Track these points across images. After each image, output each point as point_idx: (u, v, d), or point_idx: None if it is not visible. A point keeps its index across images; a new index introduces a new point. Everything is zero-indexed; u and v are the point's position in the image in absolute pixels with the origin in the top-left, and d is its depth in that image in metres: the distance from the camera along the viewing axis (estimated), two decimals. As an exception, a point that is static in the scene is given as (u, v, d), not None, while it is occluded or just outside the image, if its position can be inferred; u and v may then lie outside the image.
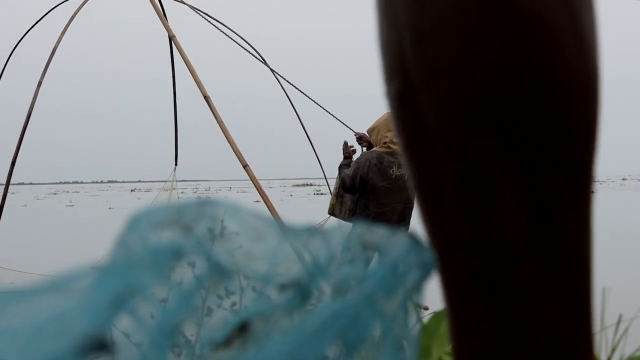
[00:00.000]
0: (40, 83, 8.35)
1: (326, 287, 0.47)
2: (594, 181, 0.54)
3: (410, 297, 0.47)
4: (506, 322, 0.52)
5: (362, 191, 6.83)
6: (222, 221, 0.44)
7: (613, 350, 1.07)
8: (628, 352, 1.09)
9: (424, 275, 0.47)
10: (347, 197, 7.20)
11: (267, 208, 6.95)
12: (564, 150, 0.51)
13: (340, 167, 7.21)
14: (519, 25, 0.49)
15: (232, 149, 7.53)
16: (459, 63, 0.50)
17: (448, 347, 0.95)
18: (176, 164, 11.71)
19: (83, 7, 8.51)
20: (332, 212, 7.36)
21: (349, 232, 0.49)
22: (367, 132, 7.39)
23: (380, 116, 7.19)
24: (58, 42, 8.36)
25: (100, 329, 0.28)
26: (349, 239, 0.48)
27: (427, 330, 0.96)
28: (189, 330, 0.42)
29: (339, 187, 7.26)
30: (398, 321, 0.45)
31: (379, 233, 0.49)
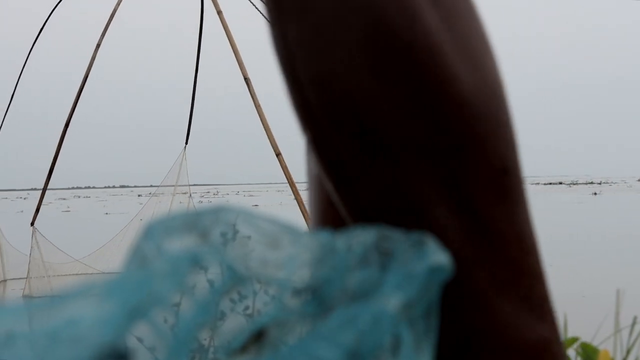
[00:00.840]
0: (80, 92, 8.37)
1: (342, 293, 0.46)
2: (522, 183, 0.57)
3: (429, 303, 0.46)
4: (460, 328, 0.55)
5: None
6: (234, 226, 0.43)
7: (628, 351, 1.06)
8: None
9: (441, 280, 0.47)
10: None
11: (298, 204, 6.92)
12: (478, 159, 0.54)
13: None
14: (403, 55, 0.52)
15: (267, 134, 7.47)
16: (359, 102, 0.53)
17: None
18: (187, 143, 11.30)
19: (116, 12, 8.53)
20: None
21: (365, 237, 0.48)
22: None
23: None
24: (95, 53, 8.37)
25: (117, 339, 0.28)
26: (365, 244, 0.48)
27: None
28: (203, 335, 0.42)
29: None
30: (416, 328, 0.44)
31: (395, 237, 0.48)
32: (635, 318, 1.04)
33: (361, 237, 0.48)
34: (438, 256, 0.47)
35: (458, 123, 0.53)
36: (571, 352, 1.04)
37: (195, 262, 0.36)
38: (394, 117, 0.52)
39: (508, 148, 0.55)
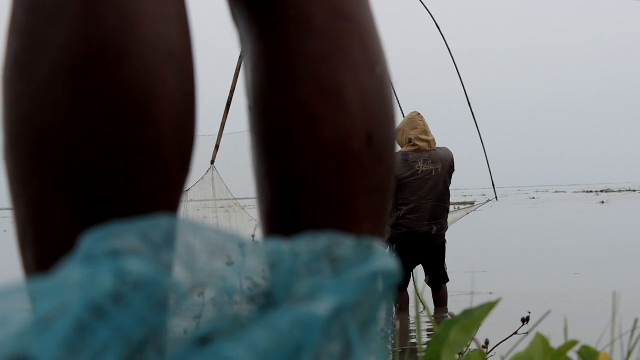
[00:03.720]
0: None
1: (291, 299, 0.46)
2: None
3: (378, 308, 0.46)
4: None
5: (394, 193, 6.78)
6: (177, 236, 0.44)
7: (629, 353, 1.04)
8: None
9: (390, 285, 0.47)
10: (385, 214, 7.14)
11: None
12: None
13: None
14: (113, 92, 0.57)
15: None
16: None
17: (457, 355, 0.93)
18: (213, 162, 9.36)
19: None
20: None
21: (315, 244, 0.48)
22: None
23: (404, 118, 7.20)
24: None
25: (22, 350, 0.28)
26: (314, 251, 0.48)
27: (437, 338, 0.95)
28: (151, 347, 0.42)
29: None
30: (365, 331, 0.44)
31: (345, 244, 0.49)
32: (636, 321, 1.02)
33: (310, 245, 0.48)
34: (384, 261, 0.47)
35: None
36: (572, 354, 1.02)
37: (122, 273, 0.36)
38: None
39: None
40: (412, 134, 6.79)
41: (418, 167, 6.68)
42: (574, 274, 8.37)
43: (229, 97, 8.19)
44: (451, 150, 7.05)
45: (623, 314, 1.09)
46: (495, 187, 8.46)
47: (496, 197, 8.37)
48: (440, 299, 6.84)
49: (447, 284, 6.80)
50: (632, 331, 1.08)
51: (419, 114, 7.11)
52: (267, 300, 0.46)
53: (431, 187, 6.67)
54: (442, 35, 8.42)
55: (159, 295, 0.38)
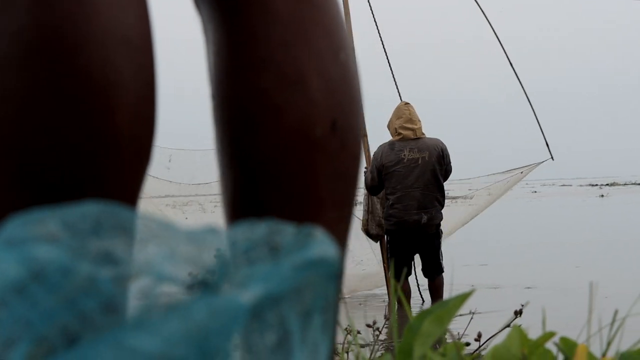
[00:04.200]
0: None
1: (228, 287, 0.45)
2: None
3: (320, 297, 0.45)
4: None
5: (382, 183, 6.76)
6: (105, 222, 0.43)
7: (609, 344, 1.03)
8: (624, 347, 1.05)
9: (332, 275, 0.46)
10: (377, 209, 7.12)
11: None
12: None
13: (365, 175, 7.17)
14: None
15: None
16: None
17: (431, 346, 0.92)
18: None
19: None
20: (365, 228, 7.30)
21: (253, 232, 0.47)
22: (387, 127, 7.35)
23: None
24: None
25: None
26: (252, 239, 0.47)
27: (410, 329, 0.94)
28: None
29: (367, 202, 7.20)
30: (307, 321, 0.43)
31: (284, 231, 0.47)
32: (616, 312, 1.02)
33: (248, 233, 0.47)
34: (324, 249, 0.45)
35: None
36: (551, 346, 1.01)
37: (32, 262, 0.35)
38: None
39: None
40: (397, 123, 6.82)
41: (404, 155, 6.68)
42: (575, 267, 8.35)
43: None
44: (442, 141, 7.01)
45: (620, 305, 1.08)
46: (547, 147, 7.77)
47: (552, 157, 7.70)
48: (435, 291, 6.83)
49: (449, 280, 6.78)
50: (612, 323, 1.07)
51: (406, 103, 7.11)
52: (203, 290, 0.45)
53: (418, 175, 6.66)
54: (489, 22, 8.06)
55: (72, 284, 0.36)
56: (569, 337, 1.03)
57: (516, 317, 2.24)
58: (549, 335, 1.03)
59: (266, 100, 0.65)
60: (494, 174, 8.41)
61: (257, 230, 0.48)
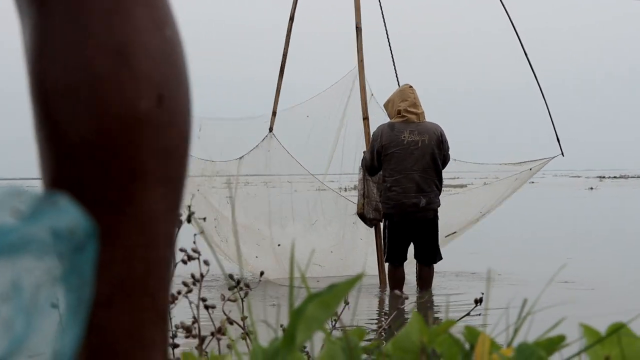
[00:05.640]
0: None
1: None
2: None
3: (69, 272, 0.41)
4: None
5: (381, 164, 6.67)
6: None
7: (516, 331, 1.00)
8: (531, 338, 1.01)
9: (73, 246, 0.42)
10: (373, 193, 7.05)
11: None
12: None
13: (363, 156, 7.09)
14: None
15: (361, 95, 7.26)
16: None
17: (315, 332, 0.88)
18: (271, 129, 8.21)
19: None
20: (361, 212, 7.24)
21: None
22: (383, 106, 7.25)
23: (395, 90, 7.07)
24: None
25: None
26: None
27: (296, 313, 0.90)
28: None
29: (363, 186, 7.13)
30: (36, 293, 0.39)
31: (26, 196, 0.43)
32: (525, 301, 1.00)
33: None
34: (66, 218, 0.41)
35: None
36: (460, 336, 0.98)
37: None
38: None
39: None
40: (402, 105, 6.72)
41: (404, 137, 6.60)
42: (566, 258, 8.30)
43: (282, 61, 7.98)
44: (440, 125, 6.93)
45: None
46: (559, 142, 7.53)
47: (562, 153, 7.49)
48: (424, 281, 6.78)
49: (442, 271, 6.75)
50: (521, 311, 1.04)
51: (410, 86, 7.01)
52: None
53: (417, 158, 6.59)
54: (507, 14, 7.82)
55: None
56: (473, 326, 1.01)
57: (476, 306, 2.20)
58: (449, 323, 1.00)
59: (86, 71, 0.63)
60: (505, 163, 8.26)
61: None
